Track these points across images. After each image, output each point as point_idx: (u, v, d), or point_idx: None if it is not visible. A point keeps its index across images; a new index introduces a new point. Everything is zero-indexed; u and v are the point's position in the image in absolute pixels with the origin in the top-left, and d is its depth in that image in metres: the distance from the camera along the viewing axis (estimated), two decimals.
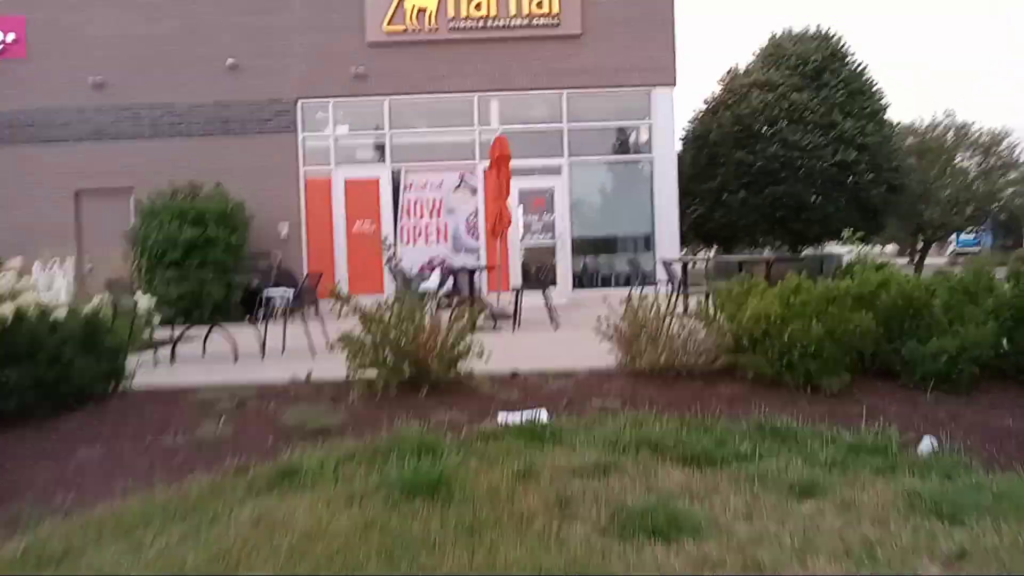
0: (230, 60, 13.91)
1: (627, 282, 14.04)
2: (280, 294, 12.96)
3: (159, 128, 14.21)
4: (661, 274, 12.07)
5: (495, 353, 5.88)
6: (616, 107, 14.19)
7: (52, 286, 14.24)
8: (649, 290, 10.70)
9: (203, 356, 7.91)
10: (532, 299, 10.55)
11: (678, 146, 14.02)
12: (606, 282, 14.32)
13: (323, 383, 5.84)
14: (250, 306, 12.80)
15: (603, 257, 14.48)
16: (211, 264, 12.40)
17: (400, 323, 5.39)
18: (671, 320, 5.92)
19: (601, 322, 6.11)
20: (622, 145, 14.45)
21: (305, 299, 14.06)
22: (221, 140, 14.10)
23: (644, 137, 14.24)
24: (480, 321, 5.83)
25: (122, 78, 14.14)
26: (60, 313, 5.59)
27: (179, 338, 7.77)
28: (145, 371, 7.07)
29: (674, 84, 13.78)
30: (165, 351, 7.78)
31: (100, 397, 5.76)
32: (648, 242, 14.18)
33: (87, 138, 14.27)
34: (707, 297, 8.41)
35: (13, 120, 14.28)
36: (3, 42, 14.23)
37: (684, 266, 10.70)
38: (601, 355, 6.22)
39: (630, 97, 14.05)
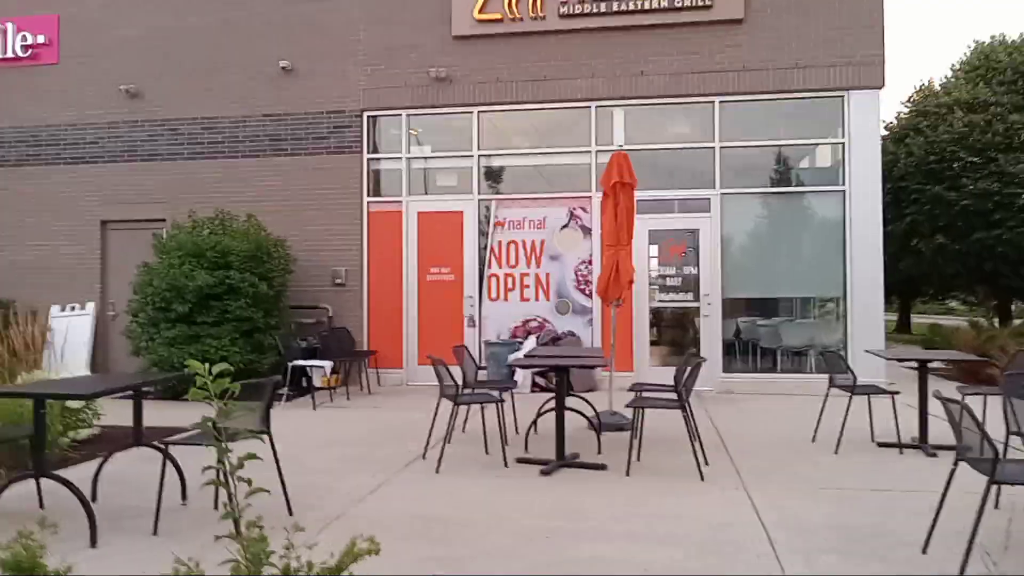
0: (282, 62, 11.00)
1: (800, 365, 9.94)
2: (313, 365, 9.74)
3: (198, 146, 11.45)
4: (868, 370, 7.98)
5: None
6: (793, 119, 10.12)
7: (68, 335, 11.83)
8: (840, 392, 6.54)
9: (94, 500, 4.55)
10: (663, 378, 6.66)
11: (868, 176, 9.74)
12: (769, 363, 10.16)
13: None
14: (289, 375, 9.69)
15: (766, 328, 10.29)
16: (232, 320, 9.34)
17: None
18: None
19: None
20: (799, 172, 10.29)
21: (354, 367, 10.84)
22: (271, 160, 11.18)
23: (830, 161, 10.12)
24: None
25: (158, 86, 11.53)
26: None
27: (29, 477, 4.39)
28: None
29: (882, 85, 9.64)
30: (84, 471, 4.44)
31: None
32: (836, 309, 9.96)
33: (118, 159, 11.72)
34: None
35: (38, 137, 11.96)
36: (33, 45, 11.98)
37: (923, 366, 6.43)
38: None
39: (813, 105, 10.01)
